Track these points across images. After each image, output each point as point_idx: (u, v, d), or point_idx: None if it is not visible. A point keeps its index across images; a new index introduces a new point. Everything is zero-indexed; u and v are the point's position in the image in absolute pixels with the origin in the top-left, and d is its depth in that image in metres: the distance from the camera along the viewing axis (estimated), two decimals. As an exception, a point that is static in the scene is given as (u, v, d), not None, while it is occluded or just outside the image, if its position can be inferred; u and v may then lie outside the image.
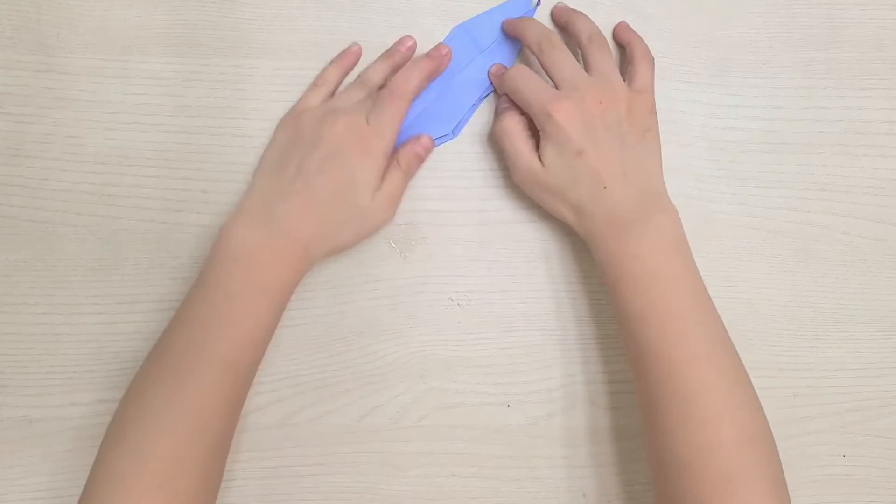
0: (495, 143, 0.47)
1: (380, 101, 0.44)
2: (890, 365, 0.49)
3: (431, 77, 0.46)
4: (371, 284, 0.47)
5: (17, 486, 0.45)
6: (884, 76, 0.51)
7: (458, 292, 0.48)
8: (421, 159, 0.47)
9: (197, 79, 0.48)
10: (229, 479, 0.45)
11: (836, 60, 0.51)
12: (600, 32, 0.47)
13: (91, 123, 0.47)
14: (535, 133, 0.45)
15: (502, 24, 0.49)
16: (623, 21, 0.49)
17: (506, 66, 0.48)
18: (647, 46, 0.47)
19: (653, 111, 0.45)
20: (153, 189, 0.47)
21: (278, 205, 0.43)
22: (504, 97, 0.47)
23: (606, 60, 0.45)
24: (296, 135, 0.45)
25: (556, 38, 0.45)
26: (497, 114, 0.48)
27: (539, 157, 0.44)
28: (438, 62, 0.46)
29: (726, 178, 0.49)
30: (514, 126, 0.45)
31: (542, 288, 0.48)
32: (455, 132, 0.48)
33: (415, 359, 0.47)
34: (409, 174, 0.46)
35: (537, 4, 0.50)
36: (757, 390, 0.48)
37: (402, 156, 0.45)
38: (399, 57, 0.48)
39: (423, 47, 0.49)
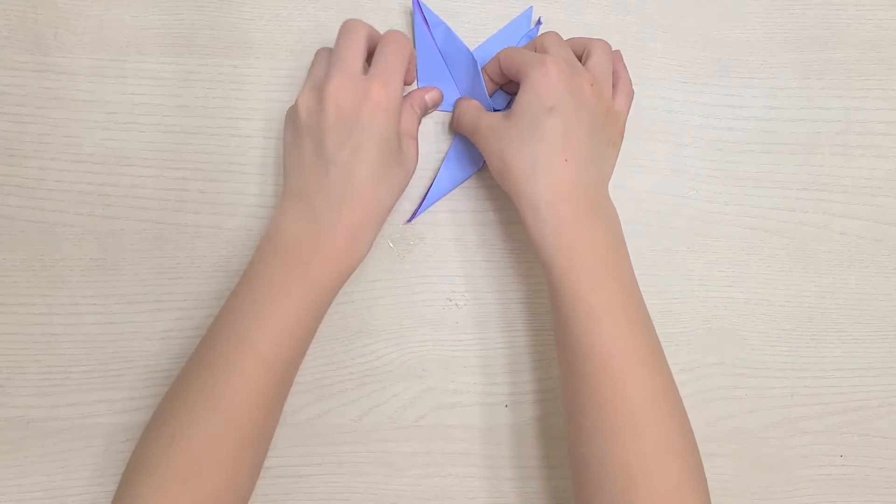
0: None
1: (379, 50, 0.42)
2: (887, 365, 0.49)
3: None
4: (368, 284, 0.47)
5: (15, 486, 0.45)
6: (881, 76, 0.51)
7: (456, 292, 0.48)
8: (427, 106, 0.46)
9: (195, 79, 0.48)
10: (227, 480, 0.45)
11: (834, 61, 0.51)
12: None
13: (88, 123, 0.47)
14: None
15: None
16: (618, 51, 0.46)
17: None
18: (630, 81, 0.45)
19: (621, 135, 0.44)
20: (151, 189, 0.47)
21: (319, 197, 0.40)
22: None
23: (605, 63, 0.43)
24: (301, 125, 0.41)
25: (559, 39, 0.43)
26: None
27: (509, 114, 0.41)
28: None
29: (724, 179, 0.49)
30: (468, 104, 0.45)
31: (538, 288, 0.48)
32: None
33: (413, 359, 0.47)
34: (421, 115, 0.46)
35: (538, 24, 0.49)
36: (754, 390, 0.48)
37: (415, 98, 0.45)
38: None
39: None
